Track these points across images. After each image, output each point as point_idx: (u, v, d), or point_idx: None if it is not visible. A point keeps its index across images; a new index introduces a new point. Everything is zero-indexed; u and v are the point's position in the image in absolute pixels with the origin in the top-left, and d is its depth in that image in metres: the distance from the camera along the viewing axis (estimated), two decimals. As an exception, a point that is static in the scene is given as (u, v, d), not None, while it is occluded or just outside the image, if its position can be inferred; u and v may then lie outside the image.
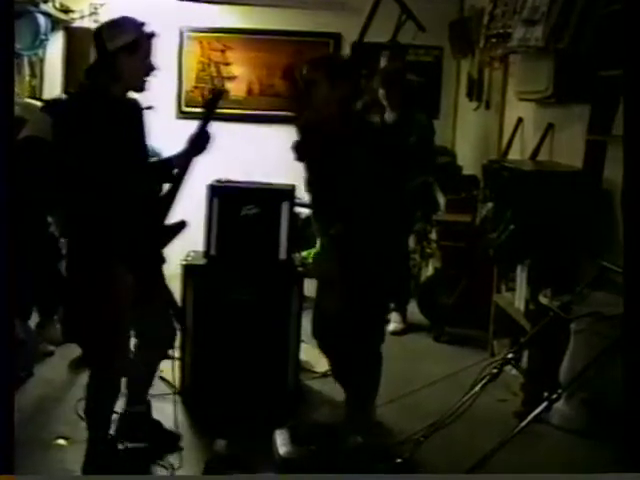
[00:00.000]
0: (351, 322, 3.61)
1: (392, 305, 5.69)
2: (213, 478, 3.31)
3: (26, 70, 5.68)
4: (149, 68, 3.27)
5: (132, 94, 3.35)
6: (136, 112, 3.37)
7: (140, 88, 3.31)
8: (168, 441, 3.64)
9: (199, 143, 3.39)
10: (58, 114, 3.32)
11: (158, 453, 3.54)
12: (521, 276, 4.59)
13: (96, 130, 3.09)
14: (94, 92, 3.20)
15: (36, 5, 5.45)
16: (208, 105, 3.48)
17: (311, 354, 4.77)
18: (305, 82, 3.59)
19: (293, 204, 4.29)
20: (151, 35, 3.26)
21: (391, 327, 5.59)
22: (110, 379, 3.34)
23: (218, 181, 4.33)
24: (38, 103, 5.39)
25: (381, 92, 5.25)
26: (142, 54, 3.22)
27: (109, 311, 3.21)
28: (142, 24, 3.24)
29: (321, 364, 4.71)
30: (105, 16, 6.42)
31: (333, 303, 3.65)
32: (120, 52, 3.15)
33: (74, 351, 4.80)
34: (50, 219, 4.92)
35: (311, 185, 3.64)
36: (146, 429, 3.64)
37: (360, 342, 3.66)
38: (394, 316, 5.66)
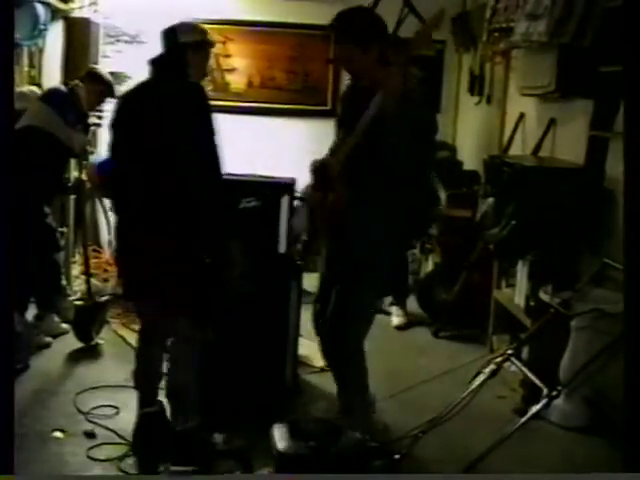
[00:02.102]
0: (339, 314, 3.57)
1: (391, 299, 5.69)
2: (213, 478, 3.29)
3: (25, 60, 5.65)
4: (204, 72, 3.65)
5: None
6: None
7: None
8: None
9: None
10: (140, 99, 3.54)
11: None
12: (522, 272, 4.57)
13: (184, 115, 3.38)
14: (169, 78, 3.48)
15: (35, -5, 5.41)
16: None
17: (309, 348, 4.76)
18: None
19: (293, 197, 4.26)
20: (212, 44, 3.65)
21: (395, 322, 5.59)
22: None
23: (218, 173, 4.30)
24: (36, 89, 5.38)
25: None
26: (203, 56, 3.58)
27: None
28: (208, 32, 3.64)
29: (319, 359, 4.70)
30: (104, 7, 6.46)
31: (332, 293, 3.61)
32: (187, 47, 3.48)
33: (71, 343, 4.80)
34: (48, 210, 4.91)
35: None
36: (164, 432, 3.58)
37: (343, 335, 3.61)
38: (396, 310, 5.65)
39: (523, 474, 3.41)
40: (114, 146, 3.56)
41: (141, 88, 3.58)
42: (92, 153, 5.75)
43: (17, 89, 5.12)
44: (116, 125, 3.56)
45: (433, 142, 3.77)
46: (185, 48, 3.47)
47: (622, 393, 2.56)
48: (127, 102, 3.60)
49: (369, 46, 3.42)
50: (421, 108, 3.42)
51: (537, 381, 3.53)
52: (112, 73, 5.26)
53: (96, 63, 6.08)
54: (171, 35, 3.51)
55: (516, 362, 3.68)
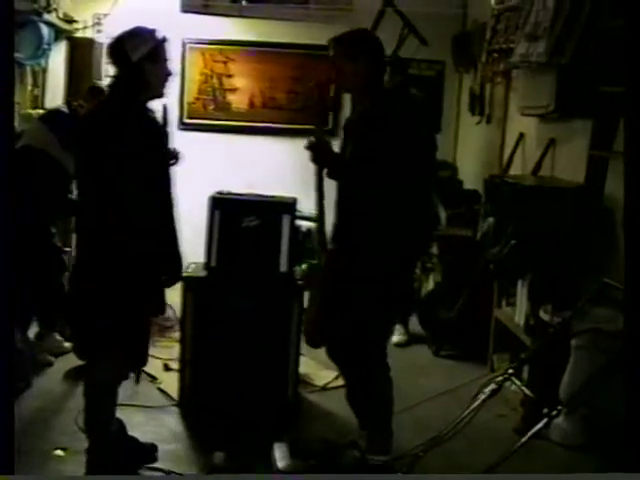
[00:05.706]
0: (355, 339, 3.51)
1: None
2: (212, 478, 3.31)
3: (28, 80, 5.70)
4: (168, 73, 3.38)
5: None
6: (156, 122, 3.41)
7: (161, 94, 3.40)
8: (145, 454, 3.58)
9: None
10: (89, 125, 3.33)
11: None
12: (521, 291, 4.58)
13: (132, 139, 3.16)
14: (126, 102, 3.25)
15: (39, 15, 5.46)
16: None
17: (310, 367, 4.76)
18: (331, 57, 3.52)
19: (294, 217, 4.29)
20: (165, 40, 3.35)
21: (395, 339, 5.58)
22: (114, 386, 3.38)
23: (219, 193, 4.34)
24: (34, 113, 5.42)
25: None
26: (162, 60, 3.33)
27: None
28: (155, 31, 3.34)
29: (320, 377, 4.71)
30: (108, 27, 6.50)
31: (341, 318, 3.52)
32: (143, 61, 3.23)
33: (72, 362, 4.80)
34: (53, 230, 4.92)
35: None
36: (123, 446, 3.55)
37: (364, 360, 3.57)
38: (397, 328, 5.65)
39: (523, 474, 3.41)
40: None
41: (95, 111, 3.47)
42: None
43: (22, 111, 5.16)
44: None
45: (432, 160, 3.78)
46: (141, 65, 3.23)
47: (622, 411, 2.57)
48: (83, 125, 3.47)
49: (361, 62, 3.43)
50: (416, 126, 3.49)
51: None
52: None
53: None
54: (121, 56, 3.25)
55: (516, 381, 3.68)
